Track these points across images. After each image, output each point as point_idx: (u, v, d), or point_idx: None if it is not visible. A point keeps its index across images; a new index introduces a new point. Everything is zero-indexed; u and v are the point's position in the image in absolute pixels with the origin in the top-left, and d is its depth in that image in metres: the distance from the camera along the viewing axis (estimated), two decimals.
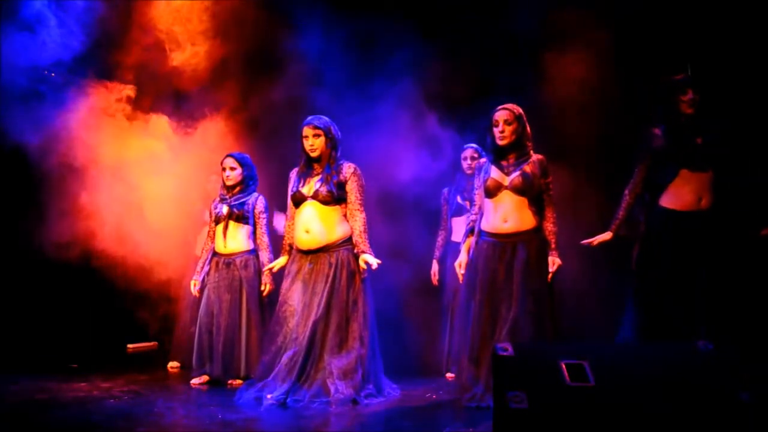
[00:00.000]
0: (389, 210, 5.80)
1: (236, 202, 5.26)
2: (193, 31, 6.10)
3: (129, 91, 6.03)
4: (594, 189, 5.34)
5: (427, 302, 5.86)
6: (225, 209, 5.26)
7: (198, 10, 6.13)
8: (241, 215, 5.23)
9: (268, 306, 5.19)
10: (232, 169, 5.27)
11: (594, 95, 5.37)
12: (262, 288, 5.21)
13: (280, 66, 6.10)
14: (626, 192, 4.41)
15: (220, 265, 5.26)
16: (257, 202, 5.29)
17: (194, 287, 5.30)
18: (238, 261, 5.23)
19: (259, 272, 5.22)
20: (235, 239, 5.26)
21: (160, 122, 6.11)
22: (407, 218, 5.96)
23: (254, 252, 5.30)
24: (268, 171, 5.82)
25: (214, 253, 5.32)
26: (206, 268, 5.31)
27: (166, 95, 6.26)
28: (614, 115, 5.42)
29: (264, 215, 5.29)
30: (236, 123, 6.23)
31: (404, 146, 5.79)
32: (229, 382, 5.10)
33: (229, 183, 5.27)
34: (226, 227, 5.25)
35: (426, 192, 5.84)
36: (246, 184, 5.31)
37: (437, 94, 5.89)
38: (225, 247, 5.26)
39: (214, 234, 5.32)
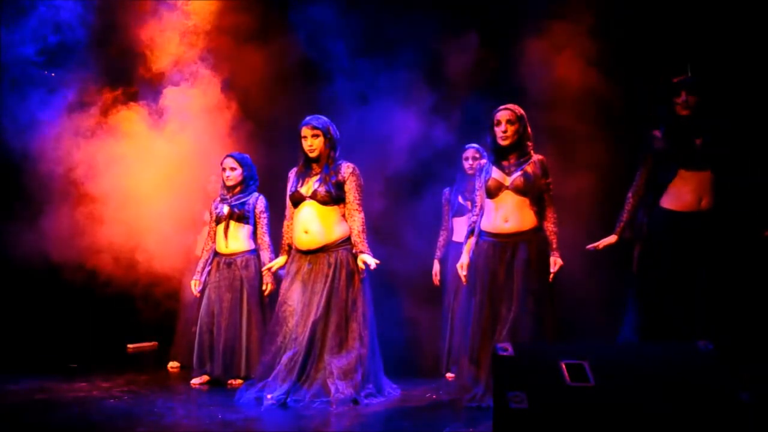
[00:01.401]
0: (388, 197, 5.83)
1: (237, 202, 5.27)
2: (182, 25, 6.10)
3: (115, 89, 6.02)
4: (596, 189, 5.34)
5: (428, 302, 5.86)
6: (226, 209, 5.26)
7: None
8: (242, 215, 5.23)
9: (269, 306, 5.19)
10: (233, 169, 5.27)
11: (595, 95, 5.37)
12: (264, 288, 5.22)
13: (271, 38, 6.08)
14: (629, 194, 4.42)
15: (221, 265, 5.26)
16: (258, 202, 5.30)
17: (195, 287, 5.31)
18: (239, 261, 5.24)
19: (260, 272, 5.22)
20: (236, 239, 5.26)
21: (149, 114, 6.08)
22: (407, 210, 5.98)
23: (255, 252, 5.30)
24: (263, 151, 5.85)
25: (215, 253, 5.33)
26: (207, 269, 5.32)
27: (154, 85, 6.20)
28: (616, 115, 5.42)
29: (265, 215, 5.30)
30: (229, 103, 6.18)
31: (402, 125, 5.80)
32: (230, 381, 5.10)
33: (229, 183, 5.28)
34: (227, 227, 5.25)
35: (425, 176, 5.86)
36: (246, 184, 5.31)
37: (438, 75, 5.91)
38: (226, 247, 5.26)
39: (214, 234, 5.32)
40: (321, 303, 4.37)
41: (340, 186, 4.49)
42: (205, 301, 5.27)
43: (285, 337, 4.43)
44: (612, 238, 4.39)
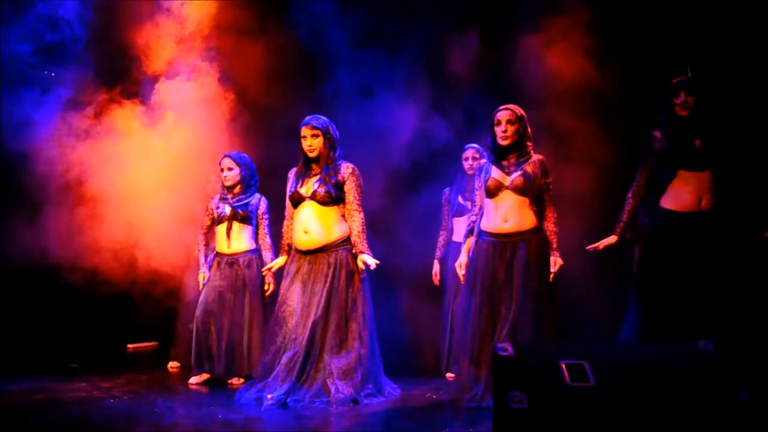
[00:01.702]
0: (389, 198, 5.83)
1: (239, 203, 5.27)
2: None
3: (111, 88, 5.99)
4: (597, 189, 5.34)
5: (428, 302, 5.86)
6: (228, 210, 5.26)
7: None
8: (245, 216, 5.24)
9: (270, 305, 5.19)
10: (230, 169, 5.27)
11: (596, 96, 5.37)
12: (265, 288, 5.22)
13: (270, 32, 6.07)
14: (629, 195, 4.42)
15: (222, 264, 5.26)
16: (260, 203, 5.31)
17: (202, 281, 5.28)
18: (241, 260, 5.24)
19: (261, 272, 5.22)
20: (239, 240, 5.26)
21: (145, 111, 6.05)
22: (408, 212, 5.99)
23: (256, 252, 5.31)
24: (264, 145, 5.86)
25: (216, 253, 5.33)
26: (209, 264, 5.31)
27: (150, 83, 6.17)
28: (618, 116, 5.41)
29: (266, 216, 5.31)
30: (226, 95, 6.13)
31: (402, 122, 5.80)
32: (231, 381, 5.10)
33: (227, 183, 5.28)
34: (229, 228, 5.25)
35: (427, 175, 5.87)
36: (246, 184, 5.31)
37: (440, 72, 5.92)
38: (229, 247, 5.26)
39: (212, 233, 5.32)
40: (321, 303, 4.37)
41: (339, 186, 4.49)
42: (202, 299, 5.27)
43: (285, 338, 4.43)
44: (612, 239, 4.39)
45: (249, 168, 5.35)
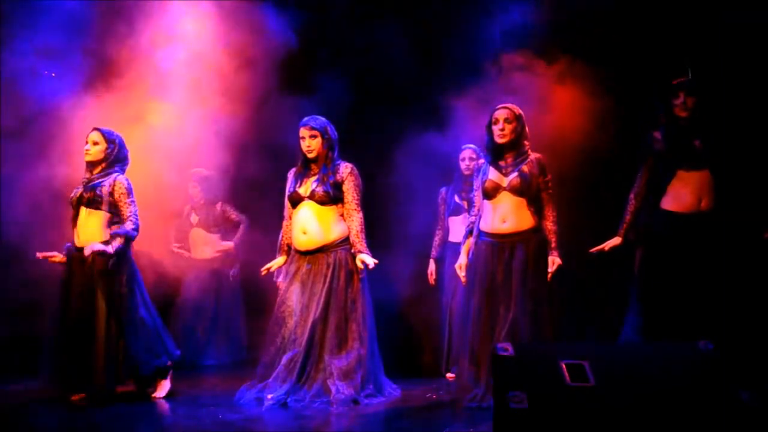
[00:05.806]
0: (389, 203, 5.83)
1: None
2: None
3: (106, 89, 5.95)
4: (598, 189, 5.34)
5: (427, 302, 5.86)
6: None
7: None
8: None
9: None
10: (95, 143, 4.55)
11: (598, 96, 5.37)
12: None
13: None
14: (631, 196, 4.41)
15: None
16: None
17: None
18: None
19: None
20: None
21: (138, 110, 5.99)
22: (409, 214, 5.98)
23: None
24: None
25: None
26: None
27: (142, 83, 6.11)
28: (619, 117, 5.42)
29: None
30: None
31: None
32: None
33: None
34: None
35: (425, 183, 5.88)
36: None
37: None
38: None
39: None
40: (320, 303, 4.38)
41: (338, 186, 4.49)
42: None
43: (284, 338, 4.43)
44: (617, 240, 4.38)
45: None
